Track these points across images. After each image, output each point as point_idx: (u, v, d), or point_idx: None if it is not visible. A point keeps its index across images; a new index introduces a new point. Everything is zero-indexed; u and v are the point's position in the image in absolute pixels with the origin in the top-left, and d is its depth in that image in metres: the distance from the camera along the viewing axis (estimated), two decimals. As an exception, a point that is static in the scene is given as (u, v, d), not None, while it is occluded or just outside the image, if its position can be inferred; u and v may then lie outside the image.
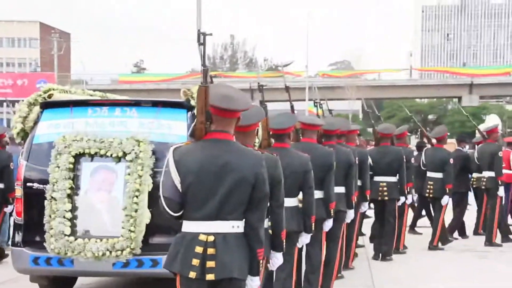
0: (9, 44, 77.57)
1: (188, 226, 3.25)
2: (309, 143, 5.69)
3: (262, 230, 3.29)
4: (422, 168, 9.43)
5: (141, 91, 58.87)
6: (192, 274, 3.18)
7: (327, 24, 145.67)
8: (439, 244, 9.32)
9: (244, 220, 3.27)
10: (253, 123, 3.98)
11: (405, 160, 8.25)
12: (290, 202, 4.79)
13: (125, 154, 5.63)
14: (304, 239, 5.01)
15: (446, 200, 9.08)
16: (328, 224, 5.74)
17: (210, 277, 3.17)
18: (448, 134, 9.71)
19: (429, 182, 9.19)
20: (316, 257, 5.80)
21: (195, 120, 3.28)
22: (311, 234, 5.05)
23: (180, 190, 3.23)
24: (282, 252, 4.18)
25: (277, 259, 4.17)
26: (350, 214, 6.58)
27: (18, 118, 6.15)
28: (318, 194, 5.55)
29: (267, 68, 75.17)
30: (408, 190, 8.51)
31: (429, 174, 9.25)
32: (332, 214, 5.72)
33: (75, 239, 5.58)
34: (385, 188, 8.22)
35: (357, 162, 6.80)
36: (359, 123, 41.00)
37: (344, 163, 6.37)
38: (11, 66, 76.56)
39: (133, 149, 5.59)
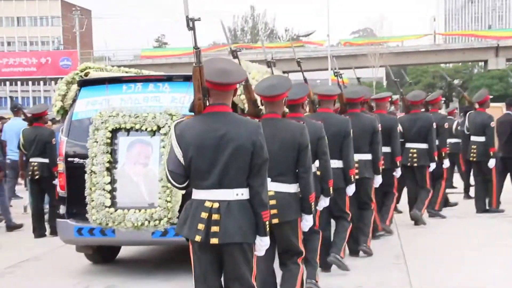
0: (32, 23, 78.07)
1: (196, 194, 3.45)
2: (325, 112, 5.85)
3: (264, 194, 3.46)
4: (466, 132, 9.52)
5: (163, 66, 59.02)
6: (198, 238, 3.38)
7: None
8: (499, 206, 9.40)
9: (247, 187, 3.44)
10: (281, 93, 4.32)
11: (434, 126, 8.31)
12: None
13: (159, 127, 5.85)
14: (323, 202, 5.14)
15: (493, 163, 9.13)
16: (350, 190, 5.92)
17: (214, 241, 3.36)
18: (491, 97, 9.58)
19: (473, 146, 9.31)
20: (343, 224, 6.04)
21: (194, 96, 3.44)
22: (329, 197, 5.18)
23: (183, 163, 3.41)
24: (311, 215, 4.43)
25: (307, 221, 4.41)
26: (378, 179, 6.76)
27: (58, 97, 6.43)
28: (337, 163, 5.75)
29: (288, 39, 74.65)
30: (444, 155, 8.65)
31: (472, 138, 9.35)
32: (353, 180, 5.89)
33: (115, 210, 5.86)
34: (415, 155, 8.32)
35: (380, 128, 6.91)
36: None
37: (368, 130, 6.56)
38: (34, 44, 77.12)
39: (166, 123, 5.80)
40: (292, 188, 4.41)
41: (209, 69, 3.42)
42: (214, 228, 3.36)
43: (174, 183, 3.48)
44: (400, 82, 9.76)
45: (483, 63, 60.33)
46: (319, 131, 4.96)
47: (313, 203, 4.46)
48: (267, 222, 3.48)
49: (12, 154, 9.90)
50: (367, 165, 6.59)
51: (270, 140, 4.19)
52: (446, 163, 8.80)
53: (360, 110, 6.70)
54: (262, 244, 3.50)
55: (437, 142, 8.51)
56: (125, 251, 7.33)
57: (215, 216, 3.37)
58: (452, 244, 7.41)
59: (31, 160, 8.45)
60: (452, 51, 57.31)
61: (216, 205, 3.38)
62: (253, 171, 3.43)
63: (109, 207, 5.86)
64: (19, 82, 69.55)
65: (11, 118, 10.83)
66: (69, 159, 6.16)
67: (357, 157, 6.37)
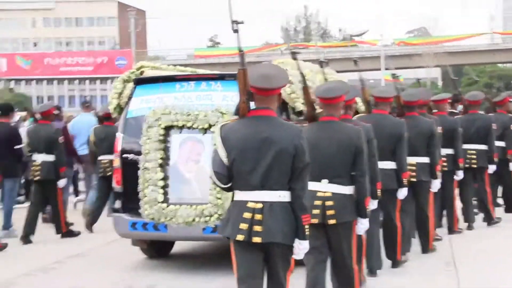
0: (89, 24, 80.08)
1: (239, 196, 3.55)
2: (380, 114, 5.90)
3: (305, 198, 3.52)
4: None
5: (216, 65, 59.49)
6: (240, 237, 3.47)
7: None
8: None
9: (289, 190, 3.51)
10: (338, 95, 4.40)
11: (494, 127, 8.15)
12: None
13: (210, 125, 5.93)
14: (371, 205, 5.07)
15: None
16: (402, 193, 5.92)
17: (256, 240, 3.46)
18: None
19: None
20: (391, 227, 6.01)
21: (239, 99, 3.56)
22: (377, 200, 5.20)
23: (227, 164, 3.52)
24: (367, 219, 4.46)
25: (362, 225, 4.46)
26: (436, 184, 6.65)
27: (114, 95, 6.61)
28: (389, 164, 5.81)
29: (342, 38, 74.15)
30: (509, 157, 8.51)
31: None
32: (405, 183, 5.88)
33: (167, 206, 5.98)
34: (473, 156, 8.14)
35: (441, 131, 6.88)
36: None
37: (425, 133, 6.47)
38: (91, 44, 79.10)
39: (217, 121, 5.84)
40: (348, 190, 4.45)
41: (253, 74, 3.54)
42: (257, 228, 3.46)
43: (218, 183, 3.59)
44: (458, 81, 9.56)
45: (543, 63, 58.51)
46: (368, 133, 4.96)
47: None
48: (306, 226, 3.53)
49: (79, 148, 9.89)
50: (424, 168, 6.50)
51: (327, 142, 4.37)
52: (511, 166, 8.59)
53: (417, 113, 6.61)
54: (300, 247, 3.55)
55: (502, 144, 8.40)
56: (177, 247, 7.45)
57: (258, 216, 3.46)
58: (506, 250, 7.12)
59: (100, 158, 8.45)
60: (511, 50, 55.80)
61: (259, 205, 3.48)
62: (294, 175, 3.51)
63: (162, 202, 5.99)
64: (76, 81, 71.53)
65: (80, 114, 10.91)
66: (124, 155, 6.33)
67: (414, 160, 6.35)
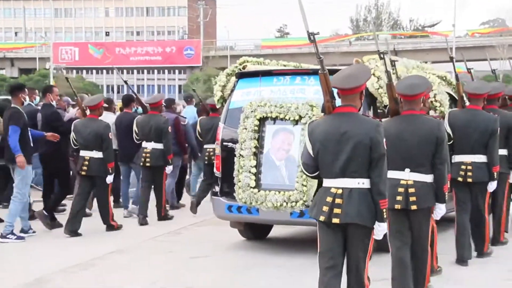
0: (160, 13, 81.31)
1: (325, 182, 4.04)
2: (473, 109, 6.19)
3: (382, 184, 3.94)
4: None
5: (283, 55, 59.37)
6: (322, 218, 3.98)
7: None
8: None
9: (368, 178, 3.94)
10: (420, 92, 4.82)
11: None
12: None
13: (300, 117, 6.36)
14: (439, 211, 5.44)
15: None
16: (491, 186, 6.22)
17: (335, 220, 3.94)
18: None
19: None
20: (480, 218, 6.31)
21: (324, 98, 4.05)
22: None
23: (312, 156, 4.03)
24: (445, 204, 4.84)
25: (440, 209, 4.87)
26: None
27: (218, 87, 7.20)
28: (482, 158, 6.13)
29: (413, 29, 72.59)
30: None
31: None
32: (496, 177, 6.17)
33: (258, 191, 6.46)
34: None
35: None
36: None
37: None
38: (161, 34, 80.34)
39: (307, 113, 6.30)
40: (429, 178, 4.86)
41: (337, 76, 4.05)
42: (337, 210, 3.94)
43: (306, 172, 4.15)
44: None
45: None
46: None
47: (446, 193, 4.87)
48: (384, 210, 3.95)
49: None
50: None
51: (409, 135, 4.78)
52: None
53: (483, 107, 6.25)
54: (379, 229, 3.98)
55: None
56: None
57: (338, 200, 3.94)
58: None
59: (205, 146, 9.22)
60: None
61: (339, 191, 3.96)
62: (372, 164, 3.94)
63: (253, 188, 6.47)
64: (145, 71, 72.90)
65: (186, 107, 11.96)
66: (224, 143, 6.88)
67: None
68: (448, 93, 7.10)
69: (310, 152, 4.03)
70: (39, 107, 9.17)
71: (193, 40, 67.34)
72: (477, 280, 5.84)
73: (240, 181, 6.50)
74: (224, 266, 6.51)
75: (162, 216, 8.82)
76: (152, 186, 8.83)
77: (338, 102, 4.05)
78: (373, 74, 6.19)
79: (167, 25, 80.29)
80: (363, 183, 3.94)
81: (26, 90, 8.16)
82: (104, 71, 74.51)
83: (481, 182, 6.13)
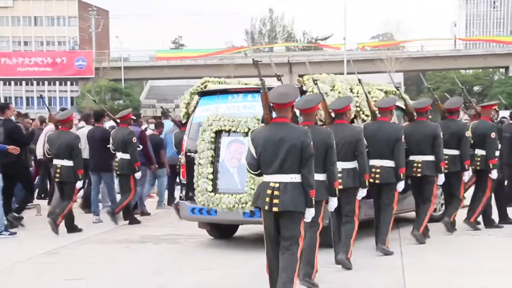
0: (49, 23, 78.20)
1: (265, 178, 5.00)
2: (381, 121, 7.35)
3: (311, 178, 4.91)
4: None
5: (178, 67, 58.64)
6: (266, 207, 4.90)
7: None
8: None
9: (300, 173, 4.89)
10: (313, 106, 5.80)
11: (467, 134, 8.33)
12: (348, 165, 6.61)
13: (249, 130, 7.22)
14: (361, 193, 6.70)
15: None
16: (399, 186, 7.29)
17: (275, 209, 4.89)
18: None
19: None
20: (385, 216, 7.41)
21: (263, 112, 4.99)
22: (366, 188, 6.69)
23: (255, 157, 4.98)
24: (336, 197, 5.81)
25: (333, 202, 5.84)
26: (441, 178, 7.79)
27: (183, 104, 8.19)
28: (391, 163, 7.23)
29: (307, 42, 73.95)
30: (492, 166, 8.49)
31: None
32: (402, 178, 7.29)
33: (215, 194, 7.43)
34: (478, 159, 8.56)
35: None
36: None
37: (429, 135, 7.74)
38: (51, 44, 77.28)
39: (255, 126, 7.24)
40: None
41: (273, 93, 5.05)
42: (275, 201, 4.87)
43: (250, 170, 5.11)
44: (418, 89, 9.22)
45: (504, 69, 59.14)
46: (358, 134, 6.61)
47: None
48: (313, 198, 4.92)
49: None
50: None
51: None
52: (494, 174, 8.43)
53: (426, 118, 7.96)
54: (309, 213, 4.96)
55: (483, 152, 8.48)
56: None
57: (276, 192, 4.88)
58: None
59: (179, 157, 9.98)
60: (473, 56, 56.17)
61: (277, 185, 4.89)
62: (302, 162, 4.89)
63: (210, 192, 7.43)
64: (35, 82, 69.59)
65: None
66: (188, 153, 7.81)
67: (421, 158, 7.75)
68: (398, 106, 8.17)
69: (254, 154, 4.99)
70: None
71: (85, 51, 65.06)
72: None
73: (199, 186, 7.47)
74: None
75: (116, 216, 9.67)
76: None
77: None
78: (313, 92, 7.09)
79: (57, 35, 77.41)
80: (295, 178, 4.89)
81: None
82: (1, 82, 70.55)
83: (388, 183, 7.20)
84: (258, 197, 5.00)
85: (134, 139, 9.60)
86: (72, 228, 9.04)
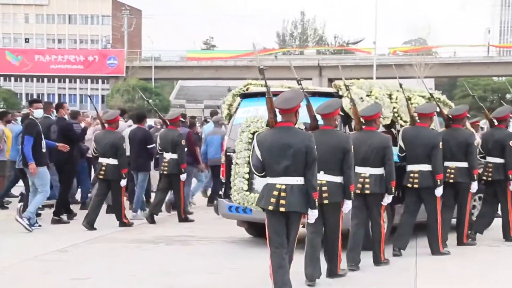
0: (83, 21, 79.22)
1: (269, 180, 5.17)
2: (421, 127, 7.46)
3: (314, 181, 5.11)
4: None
5: (208, 68, 58.90)
6: (271, 207, 5.09)
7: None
8: None
9: (303, 176, 5.08)
10: (332, 111, 6.13)
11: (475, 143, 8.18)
12: (376, 171, 6.82)
13: None
14: (386, 199, 6.89)
15: None
16: (438, 191, 7.35)
17: (282, 209, 5.06)
18: None
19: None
20: (431, 221, 7.52)
21: (268, 116, 5.16)
22: (392, 195, 6.88)
23: (261, 159, 5.14)
24: (351, 200, 6.14)
25: (347, 205, 6.13)
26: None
27: (225, 106, 8.47)
28: (428, 167, 7.32)
29: (338, 45, 73.68)
30: None
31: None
32: (439, 183, 7.33)
33: (250, 194, 7.66)
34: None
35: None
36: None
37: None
38: (84, 42, 78.32)
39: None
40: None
41: (279, 98, 5.28)
42: (282, 201, 5.06)
43: (256, 172, 5.27)
44: (450, 95, 9.18)
45: (538, 77, 58.17)
46: (386, 142, 6.84)
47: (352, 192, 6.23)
48: (316, 200, 5.14)
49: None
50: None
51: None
52: None
53: (462, 125, 7.99)
54: (312, 214, 5.18)
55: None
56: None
57: (282, 194, 5.07)
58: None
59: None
60: (506, 63, 55.42)
61: (283, 186, 5.09)
62: (307, 166, 5.07)
63: (246, 191, 7.69)
64: (67, 80, 70.58)
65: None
66: (227, 153, 8.12)
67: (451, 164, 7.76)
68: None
69: (259, 157, 5.16)
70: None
71: (117, 50, 65.65)
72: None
73: (235, 185, 7.74)
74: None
75: (183, 218, 9.98)
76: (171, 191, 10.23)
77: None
78: (348, 97, 7.25)
79: (90, 33, 78.42)
80: (300, 180, 5.09)
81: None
82: (24, 78, 71.77)
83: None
84: (262, 198, 5.18)
85: (183, 142, 9.87)
86: (91, 225, 9.07)
